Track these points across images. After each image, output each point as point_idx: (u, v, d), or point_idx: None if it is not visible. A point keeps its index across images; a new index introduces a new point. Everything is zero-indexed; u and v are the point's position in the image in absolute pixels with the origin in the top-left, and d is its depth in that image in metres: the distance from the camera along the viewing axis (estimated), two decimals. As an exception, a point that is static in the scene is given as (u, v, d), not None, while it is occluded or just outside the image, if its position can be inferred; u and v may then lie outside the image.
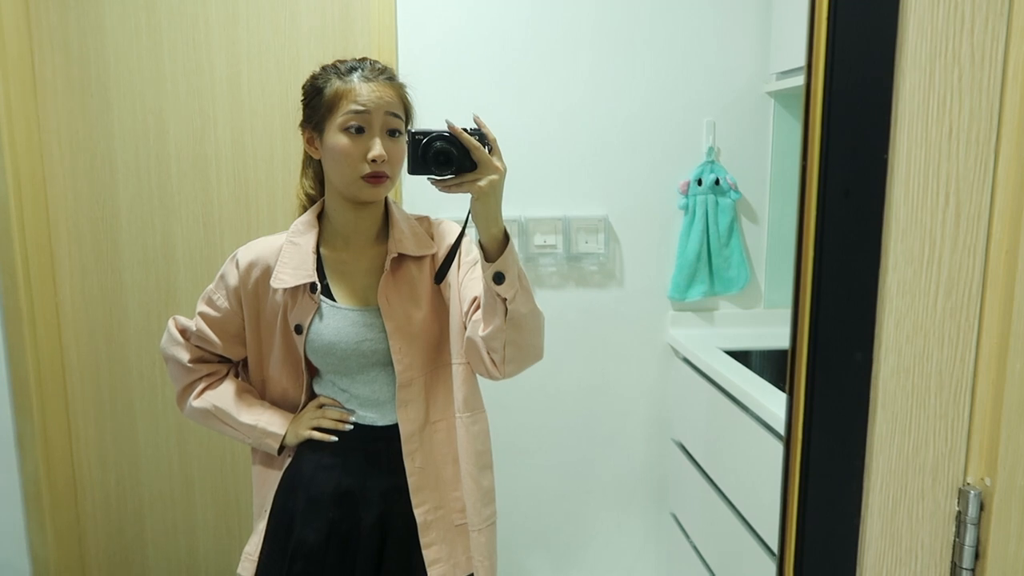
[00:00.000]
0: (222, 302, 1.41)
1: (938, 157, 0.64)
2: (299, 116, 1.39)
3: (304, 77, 1.38)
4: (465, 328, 1.35)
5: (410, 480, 1.38)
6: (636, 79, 2.15)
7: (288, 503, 1.41)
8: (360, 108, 1.28)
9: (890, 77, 0.62)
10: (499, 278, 1.20)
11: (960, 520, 0.69)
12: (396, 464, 1.38)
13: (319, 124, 1.32)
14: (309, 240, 1.38)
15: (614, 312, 2.23)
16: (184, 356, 1.44)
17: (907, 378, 0.67)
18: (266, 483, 1.46)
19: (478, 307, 1.31)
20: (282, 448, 1.41)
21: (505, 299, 1.22)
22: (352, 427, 1.39)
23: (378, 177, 1.30)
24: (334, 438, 1.39)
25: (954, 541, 0.70)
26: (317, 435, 1.39)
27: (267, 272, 1.37)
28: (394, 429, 1.38)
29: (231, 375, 1.49)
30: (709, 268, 2.21)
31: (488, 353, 1.28)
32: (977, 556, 0.69)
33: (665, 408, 2.28)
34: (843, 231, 0.62)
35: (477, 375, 1.39)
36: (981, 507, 0.68)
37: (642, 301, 2.23)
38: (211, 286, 1.43)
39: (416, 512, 1.37)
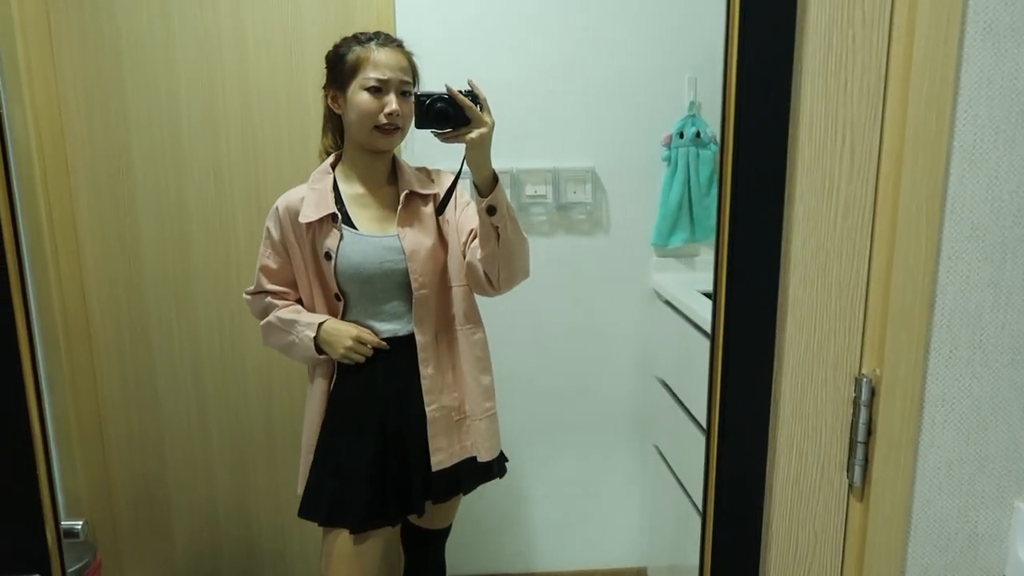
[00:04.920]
0: (274, 258, 1.67)
1: (836, 106, 0.79)
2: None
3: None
4: (464, 256, 1.63)
5: (423, 384, 1.63)
6: (622, 36, 2.25)
7: (334, 417, 1.66)
8: (379, 71, 1.54)
9: (793, 42, 0.76)
10: (492, 211, 1.48)
11: (856, 403, 0.85)
12: (412, 370, 1.63)
13: (343, 84, 1.58)
14: (327, 184, 1.64)
15: (601, 258, 2.37)
16: (267, 302, 1.70)
17: (812, 287, 0.82)
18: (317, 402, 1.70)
19: (475, 237, 1.58)
20: (319, 342, 1.61)
21: (497, 227, 1.49)
22: (387, 345, 1.63)
23: (391, 129, 1.57)
24: (361, 359, 1.61)
25: (852, 420, 0.85)
26: (344, 359, 1.61)
27: (297, 214, 1.61)
28: (410, 339, 1.63)
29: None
30: (690, 216, 2.34)
31: (485, 273, 1.56)
32: (869, 432, 0.85)
33: (648, 347, 2.43)
34: (753, 170, 0.76)
35: (476, 295, 1.68)
36: (872, 392, 0.84)
37: (627, 248, 2.38)
38: (261, 249, 1.68)
39: (427, 410, 1.63)
